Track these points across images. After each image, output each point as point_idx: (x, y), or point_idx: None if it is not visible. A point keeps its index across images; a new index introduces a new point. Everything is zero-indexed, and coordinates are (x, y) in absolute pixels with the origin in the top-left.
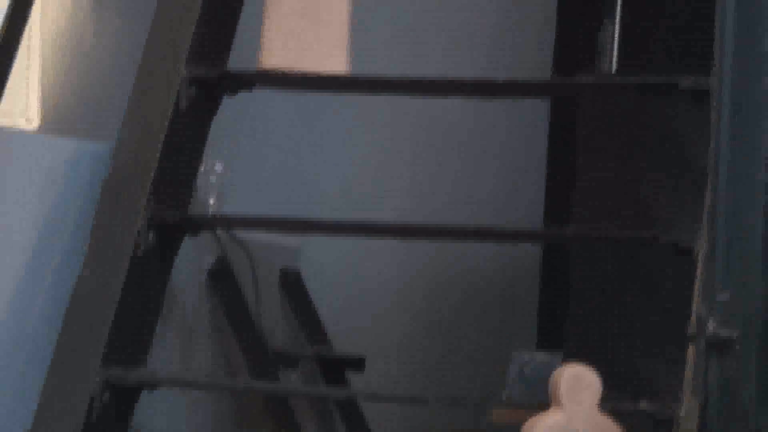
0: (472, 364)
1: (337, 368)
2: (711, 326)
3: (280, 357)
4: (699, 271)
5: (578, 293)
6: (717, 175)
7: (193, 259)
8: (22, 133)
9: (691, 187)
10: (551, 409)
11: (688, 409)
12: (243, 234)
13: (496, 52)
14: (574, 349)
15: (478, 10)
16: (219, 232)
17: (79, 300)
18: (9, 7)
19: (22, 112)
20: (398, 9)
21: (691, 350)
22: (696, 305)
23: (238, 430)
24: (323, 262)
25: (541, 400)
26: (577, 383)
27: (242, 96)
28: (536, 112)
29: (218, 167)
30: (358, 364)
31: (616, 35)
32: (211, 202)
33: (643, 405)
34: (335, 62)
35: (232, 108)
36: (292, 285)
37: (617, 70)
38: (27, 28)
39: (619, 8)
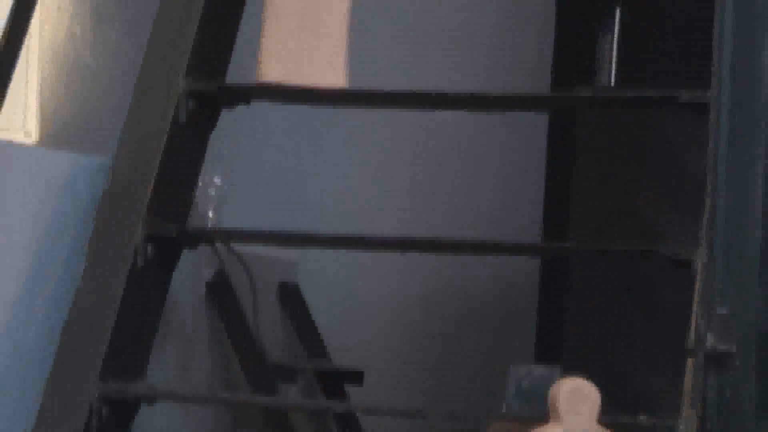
0: (471, 377)
1: (336, 381)
2: (710, 340)
3: (279, 370)
4: (698, 285)
5: (577, 306)
6: (715, 188)
7: (191, 272)
8: (20, 147)
9: (689, 200)
10: (550, 423)
11: (686, 422)
12: (242, 247)
13: (496, 54)
14: (573, 362)
15: (477, 12)
16: (218, 245)
17: (78, 313)
18: (8, 20)
19: (20, 126)
20: (398, 13)
21: (689, 363)
22: (695, 319)
23: None
24: (322, 275)
25: (540, 414)
26: (576, 396)
27: (241, 109)
28: (535, 124)
29: (217, 180)
30: (356, 377)
31: (615, 48)
32: (210, 215)
33: (642, 418)
34: (333, 75)
35: (230, 121)
36: (291, 298)
37: (616, 83)
38: (26, 42)
39: (617, 21)
